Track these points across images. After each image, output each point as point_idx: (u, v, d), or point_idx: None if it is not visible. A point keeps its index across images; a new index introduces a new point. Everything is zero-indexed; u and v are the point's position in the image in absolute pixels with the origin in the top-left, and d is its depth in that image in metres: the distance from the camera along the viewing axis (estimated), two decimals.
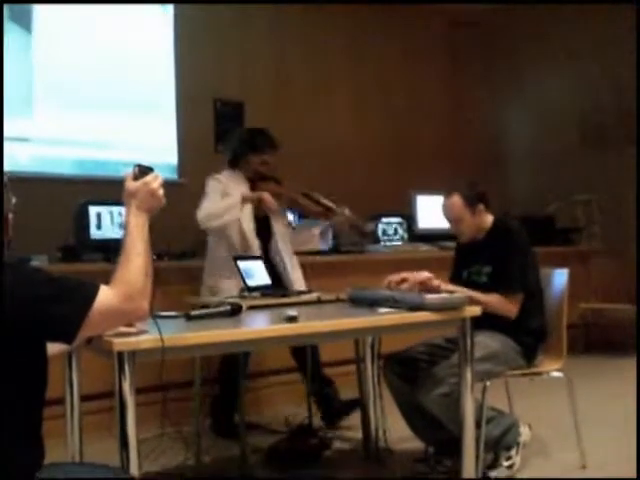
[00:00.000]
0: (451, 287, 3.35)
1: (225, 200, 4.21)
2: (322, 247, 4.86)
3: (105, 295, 1.84)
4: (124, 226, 2.01)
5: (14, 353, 1.75)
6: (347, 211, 4.34)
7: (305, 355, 4.23)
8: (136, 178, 2.07)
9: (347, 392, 4.34)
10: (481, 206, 3.63)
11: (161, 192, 2.08)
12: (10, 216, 1.92)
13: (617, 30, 6.55)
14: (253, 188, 4.31)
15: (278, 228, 4.41)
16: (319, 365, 4.44)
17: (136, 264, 1.93)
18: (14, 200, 1.95)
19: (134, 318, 1.96)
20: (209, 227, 4.21)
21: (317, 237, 4.54)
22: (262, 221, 4.34)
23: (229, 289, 4.04)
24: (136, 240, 1.97)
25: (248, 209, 4.24)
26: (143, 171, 2.09)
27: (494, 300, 3.42)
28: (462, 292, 3.27)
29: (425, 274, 3.28)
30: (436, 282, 3.28)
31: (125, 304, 1.87)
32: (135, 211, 2.02)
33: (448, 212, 3.68)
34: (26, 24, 5.50)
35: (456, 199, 3.63)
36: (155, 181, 2.07)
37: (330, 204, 4.37)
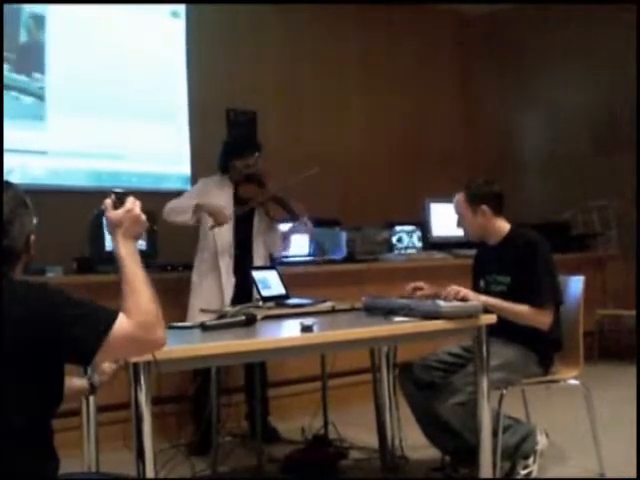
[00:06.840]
0: (483, 298, 3.32)
1: (190, 201, 4.39)
2: (284, 251, 4.90)
3: (124, 322, 1.82)
4: (116, 257, 1.95)
5: (32, 370, 1.77)
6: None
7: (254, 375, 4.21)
8: (116, 207, 2.01)
9: (363, 401, 4.32)
10: (484, 207, 3.59)
11: (144, 217, 2.02)
12: (32, 237, 1.92)
13: (632, 32, 6.50)
14: (237, 190, 4.49)
15: (258, 228, 4.53)
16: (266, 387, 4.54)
17: (145, 293, 1.89)
18: (35, 221, 1.95)
19: (153, 347, 1.93)
20: (168, 220, 4.35)
21: (279, 240, 4.63)
22: (245, 218, 4.47)
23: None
24: (134, 269, 1.92)
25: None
26: (120, 198, 2.02)
27: (526, 311, 3.38)
28: (494, 303, 3.26)
29: (454, 289, 3.25)
30: (468, 293, 3.26)
31: (142, 332, 1.84)
32: (122, 240, 1.96)
33: (454, 207, 3.72)
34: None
35: (460, 195, 3.67)
36: (136, 207, 2.01)
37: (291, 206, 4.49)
